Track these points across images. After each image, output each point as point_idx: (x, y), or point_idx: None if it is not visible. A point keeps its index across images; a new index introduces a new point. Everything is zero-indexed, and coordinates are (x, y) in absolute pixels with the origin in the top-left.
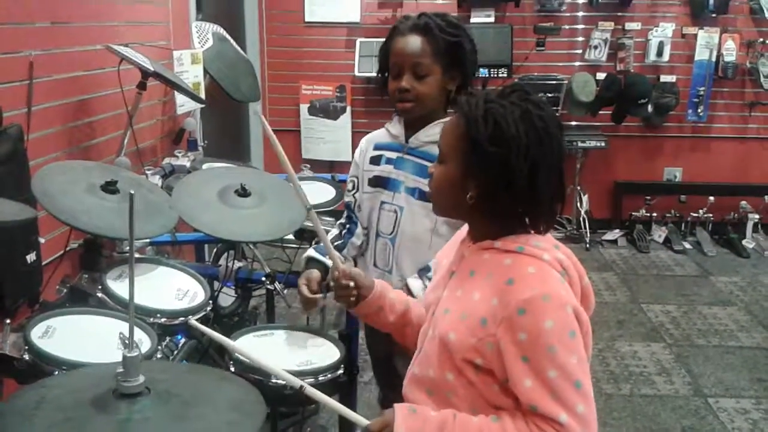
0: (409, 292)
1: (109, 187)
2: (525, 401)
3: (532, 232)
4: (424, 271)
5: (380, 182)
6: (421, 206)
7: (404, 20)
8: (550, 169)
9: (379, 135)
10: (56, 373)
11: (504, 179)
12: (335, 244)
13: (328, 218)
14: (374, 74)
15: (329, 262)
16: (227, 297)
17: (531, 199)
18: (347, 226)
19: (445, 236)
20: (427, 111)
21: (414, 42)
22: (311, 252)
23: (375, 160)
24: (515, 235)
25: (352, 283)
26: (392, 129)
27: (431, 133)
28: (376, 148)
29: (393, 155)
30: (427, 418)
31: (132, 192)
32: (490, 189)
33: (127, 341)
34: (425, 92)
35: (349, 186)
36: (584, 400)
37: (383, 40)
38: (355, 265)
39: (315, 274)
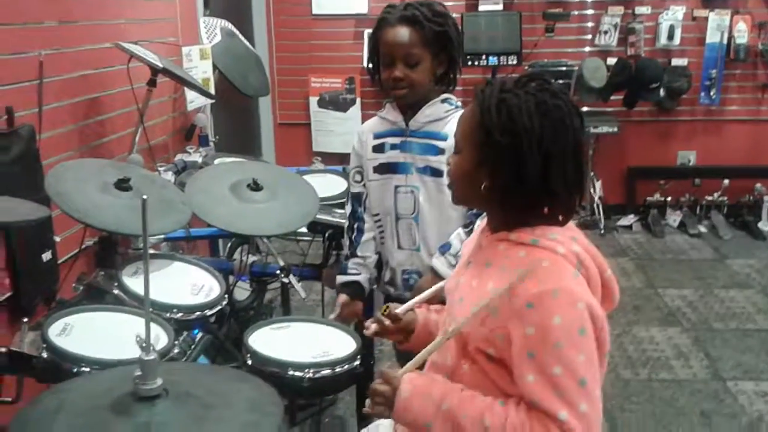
0: (436, 274)
1: (122, 185)
2: (527, 395)
3: (551, 223)
4: (445, 248)
5: (389, 168)
6: (434, 182)
7: (391, 10)
8: (566, 161)
9: (374, 124)
10: (75, 370)
11: (516, 171)
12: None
13: (339, 210)
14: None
15: None
16: (242, 291)
17: (545, 191)
18: (355, 226)
19: (462, 209)
20: (421, 95)
21: (403, 33)
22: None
23: (378, 149)
24: (532, 226)
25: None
26: (388, 116)
27: (428, 113)
28: (376, 137)
29: (396, 140)
30: (434, 380)
31: (145, 197)
32: (503, 180)
33: (143, 345)
34: (418, 79)
35: (357, 177)
36: (588, 399)
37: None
38: (378, 276)
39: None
